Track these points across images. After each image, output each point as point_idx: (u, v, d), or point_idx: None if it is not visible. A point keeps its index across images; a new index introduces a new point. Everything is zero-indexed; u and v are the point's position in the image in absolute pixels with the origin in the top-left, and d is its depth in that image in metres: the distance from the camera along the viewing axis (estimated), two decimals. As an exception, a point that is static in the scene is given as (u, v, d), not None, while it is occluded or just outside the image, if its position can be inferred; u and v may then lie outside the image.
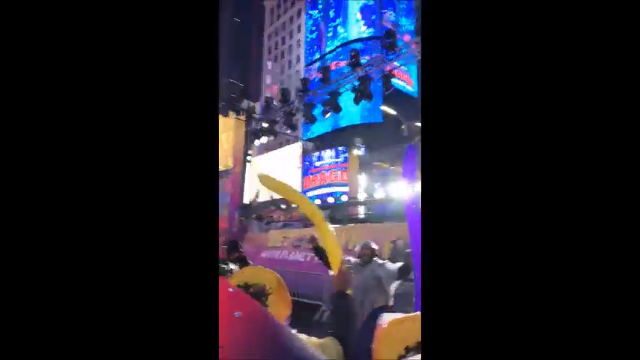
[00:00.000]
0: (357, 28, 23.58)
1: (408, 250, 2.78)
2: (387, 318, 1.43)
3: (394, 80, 8.31)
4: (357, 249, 3.02)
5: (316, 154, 20.36)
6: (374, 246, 2.96)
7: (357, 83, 8.01)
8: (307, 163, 20.43)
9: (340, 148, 18.16)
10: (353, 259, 2.91)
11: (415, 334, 1.20)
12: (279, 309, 1.88)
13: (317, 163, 21.17)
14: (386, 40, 7.64)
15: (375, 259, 2.88)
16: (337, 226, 7.23)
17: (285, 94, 10.12)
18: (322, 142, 22.91)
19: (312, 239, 3.10)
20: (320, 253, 3.09)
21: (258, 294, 1.85)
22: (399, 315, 1.50)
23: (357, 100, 8.10)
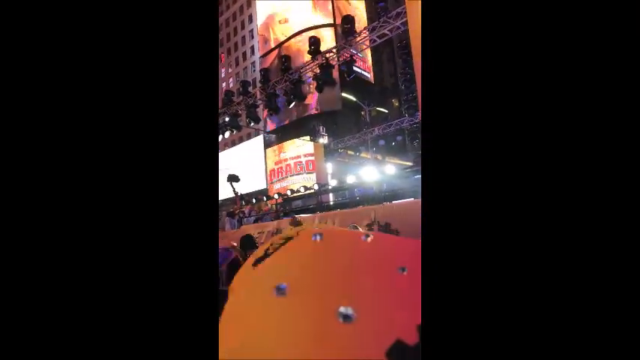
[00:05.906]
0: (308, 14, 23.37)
1: None
2: None
3: (354, 67, 8.35)
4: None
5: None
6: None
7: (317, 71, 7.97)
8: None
9: (303, 138, 18.02)
10: None
11: None
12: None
13: (281, 155, 20.95)
14: (344, 26, 7.64)
15: None
16: (308, 215, 7.24)
17: (245, 86, 9.91)
18: (284, 133, 22.67)
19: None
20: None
21: None
22: None
23: (319, 88, 8.08)
